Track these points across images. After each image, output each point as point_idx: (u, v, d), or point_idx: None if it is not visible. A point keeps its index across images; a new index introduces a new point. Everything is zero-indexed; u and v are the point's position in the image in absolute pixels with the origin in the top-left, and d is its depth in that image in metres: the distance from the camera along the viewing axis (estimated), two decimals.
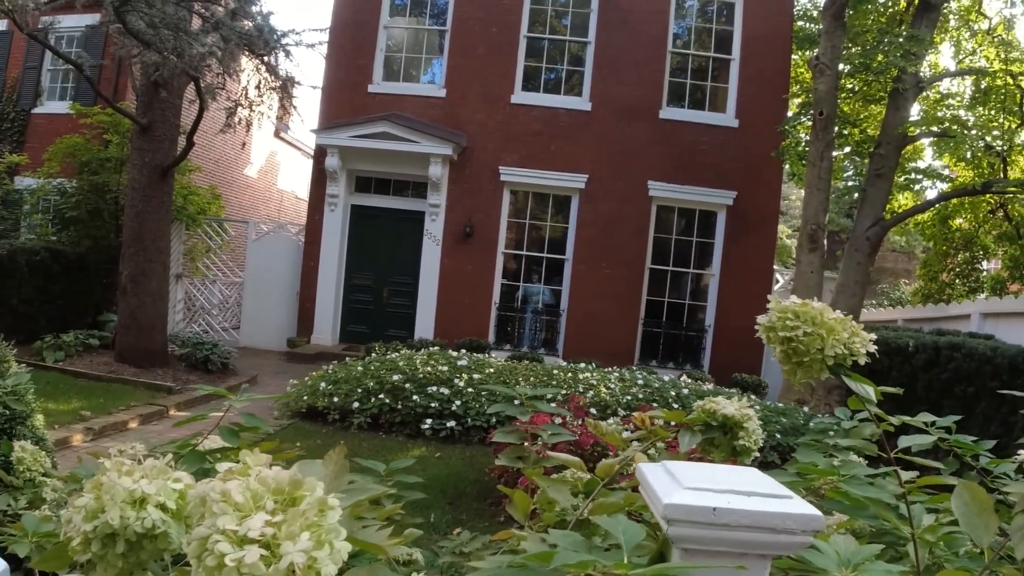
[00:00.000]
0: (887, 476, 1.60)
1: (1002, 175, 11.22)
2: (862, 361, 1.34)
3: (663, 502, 0.84)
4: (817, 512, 0.85)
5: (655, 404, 7.67)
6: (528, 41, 12.69)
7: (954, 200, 12.82)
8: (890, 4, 11.76)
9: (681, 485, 0.87)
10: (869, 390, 1.35)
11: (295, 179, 22.18)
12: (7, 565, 1.51)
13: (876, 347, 1.36)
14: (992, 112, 12.15)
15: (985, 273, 14.60)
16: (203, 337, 10.90)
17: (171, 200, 9.87)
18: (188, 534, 0.81)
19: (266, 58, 9.90)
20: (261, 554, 0.70)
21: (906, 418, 1.71)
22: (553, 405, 6.07)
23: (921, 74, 11.10)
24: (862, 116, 12.74)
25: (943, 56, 15.58)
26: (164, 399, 8.26)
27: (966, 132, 10.83)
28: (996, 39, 12.26)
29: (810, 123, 10.34)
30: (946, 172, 14.01)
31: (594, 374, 8.55)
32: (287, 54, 9.99)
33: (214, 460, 1.49)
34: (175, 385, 8.80)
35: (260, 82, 10.51)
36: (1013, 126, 11.73)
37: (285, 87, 10.35)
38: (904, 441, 1.59)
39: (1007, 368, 6.76)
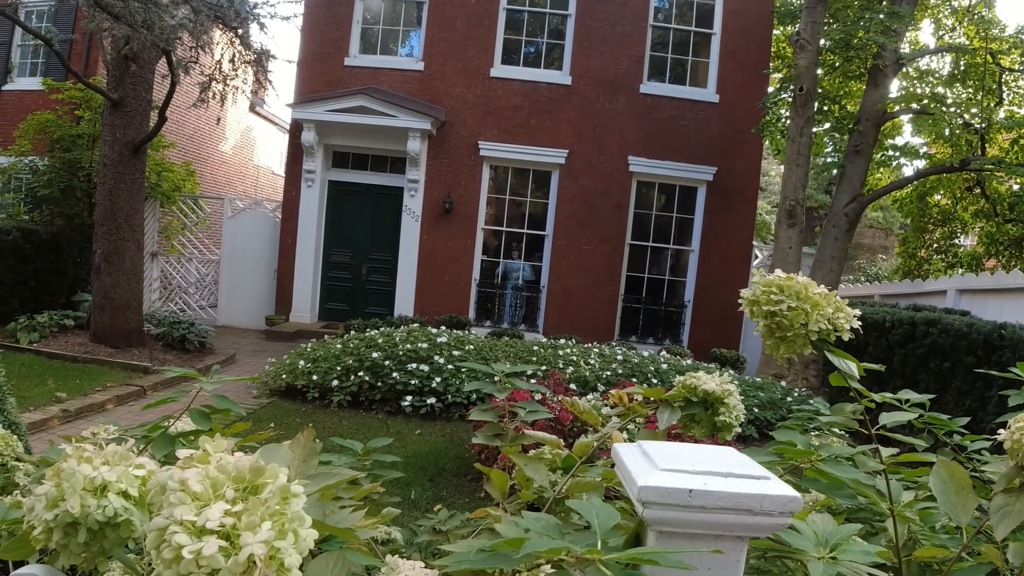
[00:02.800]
0: (866, 454, 1.60)
1: (980, 152, 11.29)
2: (846, 337, 1.33)
3: (638, 484, 0.81)
4: (795, 493, 0.84)
5: (635, 379, 7.71)
6: (508, 13, 12.52)
7: (932, 177, 12.91)
8: None
9: (657, 467, 0.85)
10: (852, 366, 1.34)
11: (271, 155, 21.88)
12: None
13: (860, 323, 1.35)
14: (971, 90, 12.19)
15: (963, 249, 14.74)
16: (180, 316, 10.76)
17: (144, 177, 9.68)
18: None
19: (239, 30, 9.69)
20: (220, 545, 0.67)
21: (887, 395, 1.71)
22: (533, 382, 6.06)
23: (901, 51, 11.11)
24: (842, 92, 12.74)
25: (923, 33, 15.62)
26: (141, 379, 8.17)
27: (945, 109, 10.87)
28: (976, 17, 12.26)
29: (790, 99, 10.33)
30: (924, 149, 14.09)
31: (574, 350, 8.57)
32: (261, 26, 9.79)
33: (186, 443, 1.45)
34: (151, 365, 8.69)
35: (234, 55, 10.29)
36: (991, 104, 11.78)
37: (260, 60, 10.16)
38: (883, 418, 1.59)
39: (982, 344, 6.85)
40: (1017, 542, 1.25)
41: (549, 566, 0.89)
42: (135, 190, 9.38)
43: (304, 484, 0.76)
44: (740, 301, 1.38)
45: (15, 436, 2.34)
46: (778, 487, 0.84)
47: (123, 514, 0.87)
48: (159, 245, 13.16)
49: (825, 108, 11.93)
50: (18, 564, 1.10)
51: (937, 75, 12.12)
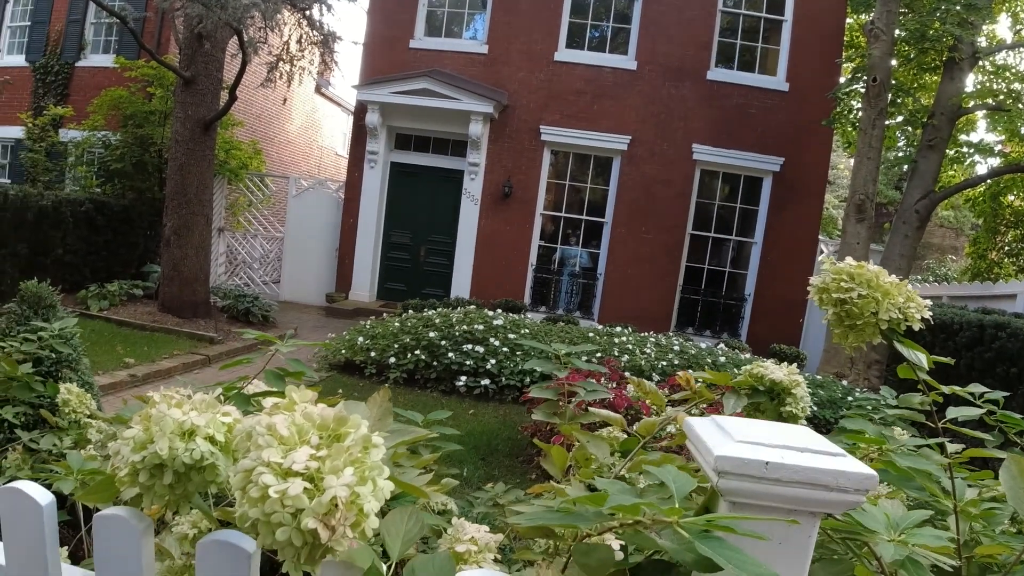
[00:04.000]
0: (932, 447, 1.56)
1: None
2: (916, 327, 1.30)
3: (714, 454, 0.81)
4: (872, 472, 0.82)
5: (691, 370, 7.62)
6: None
7: (1006, 176, 12.37)
8: None
9: (732, 438, 0.85)
10: (921, 357, 1.31)
11: (335, 136, 22.23)
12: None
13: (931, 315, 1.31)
14: None
15: None
16: (244, 290, 11.09)
17: (213, 154, 9.95)
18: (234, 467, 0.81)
19: (308, 11, 9.85)
20: (304, 487, 0.70)
21: (956, 388, 1.66)
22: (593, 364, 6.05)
23: (978, 44, 10.64)
24: (916, 85, 12.27)
25: (1000, 27, 14.86)
26: (207, 348, 8.44)
27: (1021, 107, 10.40)
28: None
29: (863, 90, 9.99)
30: (998, 147, 13.49)
31: (630, 338, 8.51)
32: (328, 8, 9.93)
33: (258, 404, 1.50)
34: (217, 335, 8.98)
35: (301, 36, 10.49)
36: None
37: (326, 41, 10.32)
38: (952, 412, 1.55)
39: None
40: None
41: (611, 534, 0.90)
42: (205, 166, 9.65)
43: (384, 436, 0.78)
44: (808, 288, 1.36)
45: (88, 395, 2.46)
46: (855, 464, 0.83)
47: (209, 458, 0.91)
48: (226, 221, 13.54)
49: (898, 100, 11.50)
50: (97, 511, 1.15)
51: (1014, 71, 11.57)
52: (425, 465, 1.56)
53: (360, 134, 12.59)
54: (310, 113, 20.44)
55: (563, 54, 12.38)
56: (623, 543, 0.91)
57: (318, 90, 20.28)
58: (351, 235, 12.71)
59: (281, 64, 10.41)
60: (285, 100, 14.60)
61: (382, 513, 1.08)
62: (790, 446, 0.83)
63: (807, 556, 0.85)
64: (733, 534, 0.73)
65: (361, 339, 7.98)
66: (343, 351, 7.90)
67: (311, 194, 13.44)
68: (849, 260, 1.37)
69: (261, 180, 13.99)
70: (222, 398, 1.01)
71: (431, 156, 12.82)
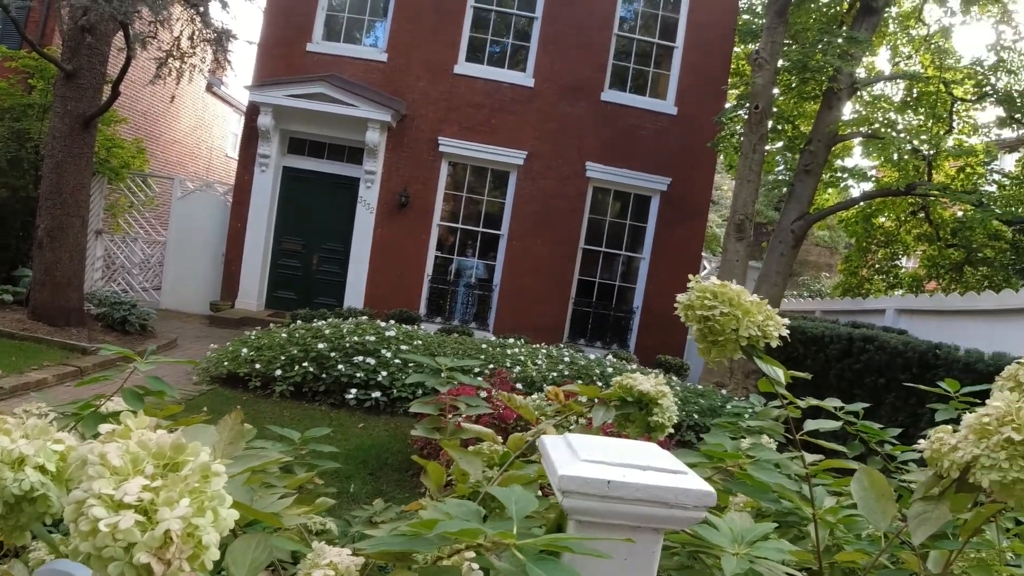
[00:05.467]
0: (793, 458, 1.65)
1: (927, 178, 11.68)
2: (774, 343, 1.38)
3: (558, 474, 0.84)
4: (710, 488, 0.87)
5: (580, 381, 7.78)
6: (475, 11, 12.51)
7: (878, 199, 13.31)
8: (833, 4, 12.04)
9: (578, 457, 0.87)
10: (779, 372, 1.39)
11: (226, 137, 21.44)
12: None
13: (794, 335, 1.40)
14: (922, 117, 12.61)
15: (904, 270, 15.23)
16: (122, 297, 10.46)
17: (92, 152, 9.40)
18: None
19: (200, 8, 9.48)
20: (137, 520, 0.67)
21: (814, 401, 1.78)
22: (479, 379, 6.06)
23: (857, 75, 11.44)
24: (796, 113, 13.07)
25: (880, 59, 16.08)
26: (79, 360, 7.93)
27: (895, 135, 11.20)
28: (933, 46, 12.68)
29: (746, 116, 10.55)
30: (871, 172, 14.52)
31: (523, 350, 8.61)
32: (223, 5, 9.61)
33: (117, 423, 1.42)
34: (90, 345, 8.44)
35: (193, 33, 10.06)
36: (941, 132, 12.21)
37: (220, 40, 9.94)
38: (811, 424, 1.64)
39: (917, 362, 7.08)
40: (937, 550, 1.30)
41: (471, 553, 0.91)
42: (83, 165, 9.10)
43: (227, 464, 0.76)
44: (676, 305, 1.42)
45: None
46: (693, 482, 0.87)
47: (40, 488, 0.86)
48: (104, 223, 12.77)
49: (779, 127, 12.22)
50: None
51: (890, 101, 12.50)
52: (300, 484, 1.52)
53: (251, 136, 12.18)
54: (200, 112, 19.62)
55: (463, 67, 12.44)
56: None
57: (209, 89, 19.50)
58: (239, 241, 12.25)
59: (171, 61, 9.95)
60: (173, 98, 13.97)
61: (236, 537, 1.05)
62: (633, 464, 0.86)
63: (652, 570, 0.88)
64: (580, 553, 0.75)
65: (246, 350, 7.69)
66: (226, 363, 7.59)
67: (197, 197, 12.88)
68: (714, 279, 1.43)
69: (144, 180, 13.30)
70: (56, 424, 0.95)
71: (326, 162, 12.56)
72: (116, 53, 9.68)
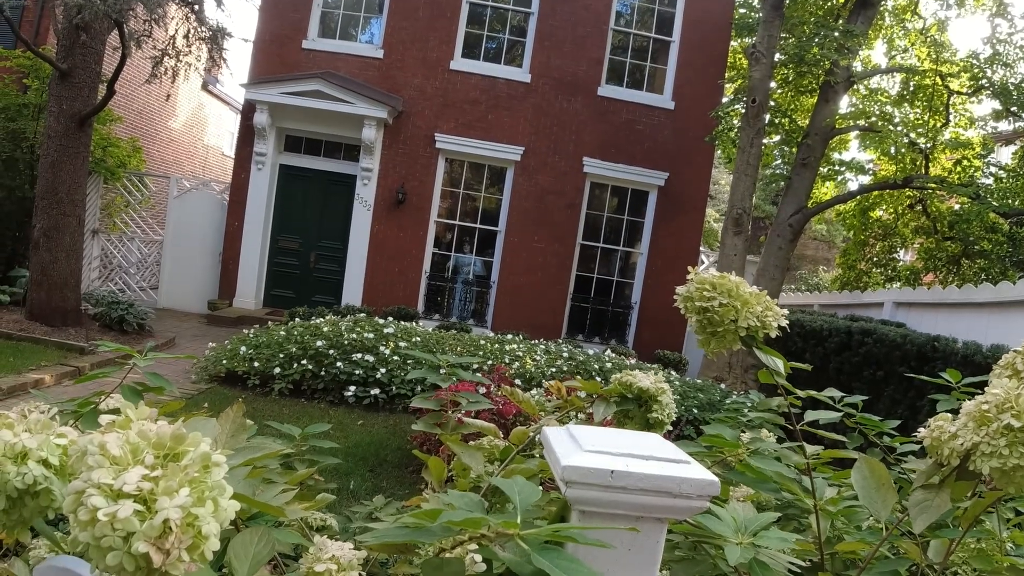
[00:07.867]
0: (796, 450, 1.65)
1: (923, 171, 11.67)
2: (773, 334, 1.38)
3: (562, 464, 0.83)
4: (713, 478, 0.86)
5: (579, 377, 7.78)
6: (471, 7, 12.49)
7: (875, 192, 13.31)
8: None
9: (581, 448, 0.87)
10: (778, 363, 1.38)
11: (222, 135, 21.40)
12: None
13: (792, 329, 1.40)
14: (919, 110, 12.61)
15: (901, 263, 15.23)
16: (119, 296, 10.44)
17: (88, 151, 9.38)
18: None
19: (195, 6, 9.45)
20: (136, 509, 0.67)
21: (814, 392, 1.77)
22: (478, 375, 6.05)
23: (854, 69, 11.43)
24: (793, 106, 13.06)
25: (876, 52, 16.06)
26: (76, 359, 7.92)
27: (892, 128, 11.20)
28: (929, 39, 12.67)
29: (743, 110, 10.55)
30: (869, 166, 14.51)
31: (521, 346, 8.61)
32: (218, 2, 9.58)
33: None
34: (87, 345, 8.42)
35: (189, 31, 10.02)
36: (938, 125, 12.21)
37: (215, 38, 9.91)
38: (810, 415, 1.64)
39: (915, 355, 7.10)
40: (938, 539, 1.30)
41: (474, 545, 0.90)
42: (79, 164, 9.08)
43: (227, 454, 0.75)
44: (675, 297, 1.42)
45: None
46: (697, 471, 0.87)
47: (43, 482, 0.86)
48: (101, 223, 12.75)
49: (776, 121, 12.22)
50: None
51: (886, 94, 12.49)
52: (300, 480, 1.51)
53: (248, 134, 12.15)
54: (196, 111, 19.58)
55: (459, 63, 12.42)
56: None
57: (205, 87, 19.46)
58: (236, 239, 12.22)
59: (166, 59, 9.91)
60: (168, 96, 13.95)
61: (239, 530, 1.04)
62: (636, 454, 0.86)
63: (656, 560, 0.88)
64: (584, 543, 0.75)
65: (244, 348, 7.69)
66: (224, 361, 7.58)
67: (194, 195, 12.85)
68: (713, 271, 1.43)
69: (140, 179, 13.26)
70: (56, 418, 0.95)
71: (323, 160, 12.54)
72: (111, 52, 9.65)
